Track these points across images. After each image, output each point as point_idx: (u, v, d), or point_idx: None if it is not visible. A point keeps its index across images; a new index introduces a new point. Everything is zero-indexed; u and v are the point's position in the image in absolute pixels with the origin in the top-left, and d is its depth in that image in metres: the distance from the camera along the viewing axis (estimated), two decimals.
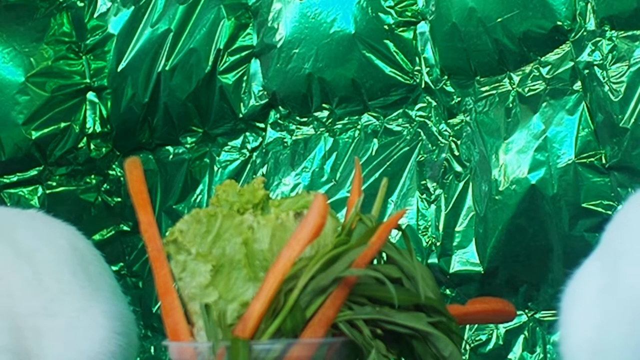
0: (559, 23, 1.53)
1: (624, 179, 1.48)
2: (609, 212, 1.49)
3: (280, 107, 1.87)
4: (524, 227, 1.57)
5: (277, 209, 1.14)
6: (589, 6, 1.51)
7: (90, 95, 2.04)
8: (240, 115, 1.90)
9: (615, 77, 1.48)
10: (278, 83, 1.84)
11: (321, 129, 1.83)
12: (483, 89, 1.65)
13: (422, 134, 1.73)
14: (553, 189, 1.53)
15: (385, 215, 1.68)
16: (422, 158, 1.72)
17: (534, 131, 1.56)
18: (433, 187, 1.70)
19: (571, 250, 1.52)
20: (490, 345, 1.64)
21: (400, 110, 1.75)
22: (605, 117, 1.49)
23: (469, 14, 1.60)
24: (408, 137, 1.74)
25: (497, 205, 1.58)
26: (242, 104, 1.90)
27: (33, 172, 2.02)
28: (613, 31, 1.49)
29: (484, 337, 1.65)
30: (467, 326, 1.64)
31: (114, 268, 1.97)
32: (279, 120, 1.88)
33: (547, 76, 1.57)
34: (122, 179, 2.04)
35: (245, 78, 1.89)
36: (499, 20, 1.57)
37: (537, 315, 1.60)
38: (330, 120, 1.81)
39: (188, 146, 1.98)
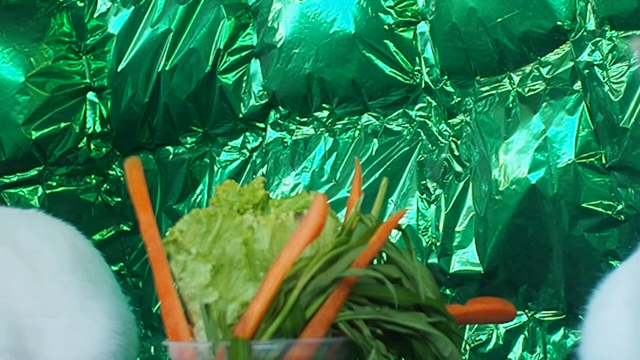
0: (559, 23, 1.53)
1: (624, 179, 1.48)
2: (609, 212, 1.49)
3: (280, 107, 1.87)
4: (524, 227, 1.57)
5: (277, 209, 1.14)
6: (589, 6, 1.51)
7: (90, 95, 2.04)
8: (240, 115, 1.90)
9: (615, 77, 1.48)
10: (278, 83, 1.84)
11: (321, 129, 1.83)
12: (483, 89, 1.65)
13: (422, 134, 1.73)
14: (553, 189, 1.53)
15: (385, 215, 1.68)
16: (422, 158, 1.72)
17: (534, 131, 1.56)
18: (433, 187, 1.70)
19: (571, 250, 1.52)
20: (490, 345, 1.64)
21: (400, 110, 1.75)
22: (605, 117, 1.49)
23: (469, 14, 1.60)
24: (408, 137, 1.74)
25: (497, 205, 1.58)
26: (242, 104, 1.90)
27: (33, 172, 2.02)
28: (613, 31, 1.49)
29: (484, 337, 1.65)
30: (467, 326, 1.64)
31: (114, 268, 1.98)
32: (279, 120, 1.88)
33: (547, 76, 1.57)
34: (122, 179, 2.04)
35: (245, 78, 1.89)
36: (499, 20, 1.57)
37: (537, 315, 1.60)
38: (330, 120, 1.82)
39: (188, 146, 1.98)
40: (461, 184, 1.66)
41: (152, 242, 1.11)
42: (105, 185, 2.07)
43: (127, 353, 1.33)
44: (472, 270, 1.63)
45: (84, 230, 1.43)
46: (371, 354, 1.06)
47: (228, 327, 1.07)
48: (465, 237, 1.64)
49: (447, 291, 1.66)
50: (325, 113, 1.81)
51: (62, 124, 2.01)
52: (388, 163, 1.75)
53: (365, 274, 1.08)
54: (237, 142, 1.93)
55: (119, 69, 1.99)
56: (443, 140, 1.70)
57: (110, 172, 2.07)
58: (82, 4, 2.04)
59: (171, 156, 2.00)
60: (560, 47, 1.55)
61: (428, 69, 1.70)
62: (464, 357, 1.65)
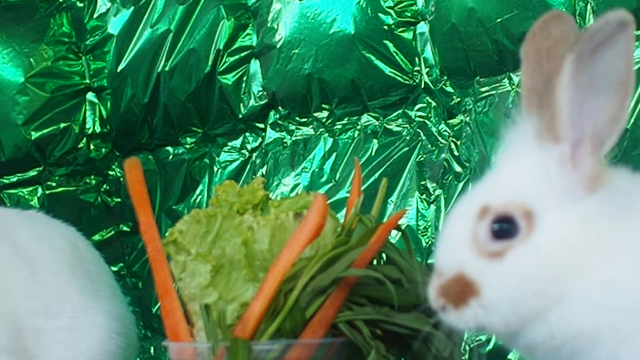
0: None
1: None
2: None
3: (280, 108, 1.87)
4: None
5: (276, 210, 1.14)
6: (589, 6, 1.51)
7: (90, 95, 2.04)
8: (240, 116, 1.90)
9: None
10: (278, 83, 1.84)
11: (321, 130, 1.83)
12: (483, 89, 1.65)
13: (421, 134, 1.73)
14: None
15: (385, 215, 1.68)
16: (422, 158, 1.72)
17: None
18: (433, 187, 1.70)
19: None
20: (490, 346, 1.64)
21: (400, 111, 1.75)
22: None
23: (469, 15, 1.60)
24: (408, 138, 1.74)
25: None
26: (241, 105, 1.90)
27: (33, 173, 2.02)
28: None
29: (483, 337, 1.65)
30: None
31: (114, 268, 1.98)
32: (279, 121, 1.88)
33: None
34: (121, 179, 2.04)
35: (245, 78, 1.89)
36: (499, 20, 1.57)
37: None
38: (330, 121, 1.82)
39: (188, 146, 1.98)
40: (461, 185, 1.66)
41: (152, 242, 1.11)
42: (105, 186, 2.07)
43: (127, 353, 1.33)
44: None
45: (83, 230, 1.43)
46: (371, 354, 1.06)
47: (228, 328, 1.07)
48: None
49: None
50: (325, 113, 1.81)
51: (62, 125, 2.01)
52: (388, 163, 1.75)
53: (365, 274, 1.08)
54: (237, 143, 1.93)
55: (118, 70, 1.99)
56: (443, 141, 1.70)
57: (110, 172, 2.07)
58: (81, 5, 2.04)
59: (171, 156, 2.00)
60: None
61: (428, 69, 1.70)
62: (464, 357, 1.65)
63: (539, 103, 0.87)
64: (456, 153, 1.67)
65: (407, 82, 1.72)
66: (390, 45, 1.72)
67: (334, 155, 1.81)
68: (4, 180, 2.02)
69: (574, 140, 0.85)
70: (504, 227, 0.84)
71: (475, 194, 0.89)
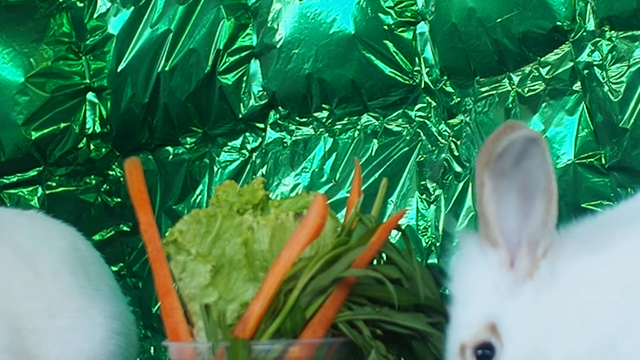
0: (558, 23, 1.53)
1: (623, 179, 1.48)
2: None
3: (280, 108, 1.87)
4: None
5: (277, 210, 1.14)
6: (589, 6, 1.51)
7: (90, 95, 2.04)
8: (240, 116, 1.90)
9: (614, 77, 1.48)
10: (278, 83, 1.84)
11: (321, 130, 1.83)
12: (483, 89, 1.65)
13: (421, 134, 1.73)
14: None
15: (385, 215, 1.68)
16: (422, 158, 1.72)
17: None
18: (433, 187, 1.70)
19: None
20: None
21: (400, 111, 1.75)
22: (604, 117, 1.49)
23: (469, 15, 1.60)
24: (408, 138, 1.74)
25: None
26: (241, 105, 1.90)
27: (33, 173, 2.02)
28: (613, 31, 1.49)
29: None
30: None
31: (114, 268, 1.98)
32: (279, 121, 1.88)
33: (547, 76, 1.57)
34: (122, 179, 2.04)
35: (245, 78, 1.89)
36: (499, 20, 1.57)
37: None
38: (330, 121, 1.82)
39: (188, 146, 1.98)
40: (461, 184, 1.66)
41: (152, 242, 1.11)
42: (105, 186, 2.07)
43: (127, 353, 1.33)
44: None
45: (83, 230, 1.43)
46: (371, 354, 1.06)
47: (228, 328, 1.07)
48: None
49: (447, 292, 1.66)
50: (325, 113, 1.81)
51: (62, 125, 2.01)
52: (388, 163, 1.75)
53: (365, 274, 1.08)
54: (237, 143, 1.93)
55: (118, 70, 1.99)
56: (443, 141, 1.70)
57: (110, 172, 2.07)
58: (81, 5, 2.04)
59: (171, 156, 2.00)
60: (560, 47, 1.55)
61: (428, 69, 1.70)
62: None
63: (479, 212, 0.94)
64: (456, 153, 1.67)
65: (407, 82, 1.72)
66: (390, 45, 1.72)
67: (334, 155, 1.81)
68: (4, 180, 2.02)
69: (509, 246, 0.92)
70: (485, 353, 0.92)
71: (452, 333, 0.95)
